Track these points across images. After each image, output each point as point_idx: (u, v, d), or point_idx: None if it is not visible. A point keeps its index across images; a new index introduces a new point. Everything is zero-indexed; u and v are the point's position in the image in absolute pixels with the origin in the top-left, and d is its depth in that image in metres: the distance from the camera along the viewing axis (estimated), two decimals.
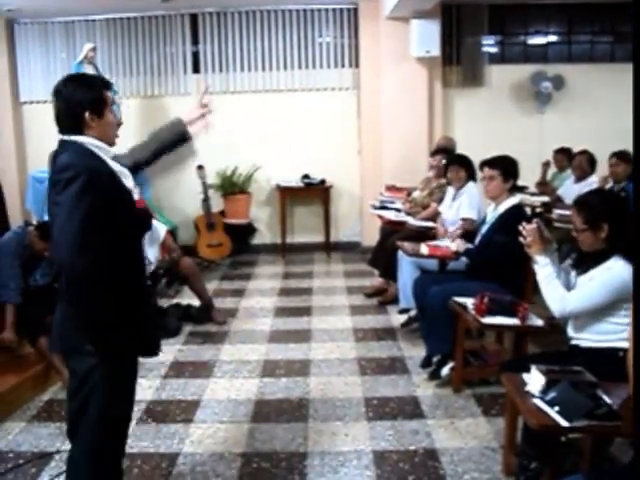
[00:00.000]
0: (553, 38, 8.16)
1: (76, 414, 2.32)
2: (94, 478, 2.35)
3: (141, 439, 3.50)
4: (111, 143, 2.35)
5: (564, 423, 2.19)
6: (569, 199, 6.14)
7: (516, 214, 4.03)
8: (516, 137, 7.50)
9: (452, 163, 5.12)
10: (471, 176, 5.05)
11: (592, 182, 5.92)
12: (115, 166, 2.29)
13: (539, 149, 7.47)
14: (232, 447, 3.37)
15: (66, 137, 2.26)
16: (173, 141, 2.64)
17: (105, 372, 2.25)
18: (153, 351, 2.46)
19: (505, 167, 4.10)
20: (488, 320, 3.15)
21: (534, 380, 2.29)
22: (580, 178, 6.17)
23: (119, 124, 2.47)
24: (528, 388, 2.31)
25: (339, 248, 8.29)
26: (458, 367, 3.94)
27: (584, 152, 6.18)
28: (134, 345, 2.35)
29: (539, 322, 3.01)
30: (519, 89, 8.06)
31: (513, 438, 3.00)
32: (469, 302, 3.26)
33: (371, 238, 7.73)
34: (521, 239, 3.07)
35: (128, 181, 2.33)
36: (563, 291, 2.89)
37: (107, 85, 2.38)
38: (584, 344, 2.91)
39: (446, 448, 3.31)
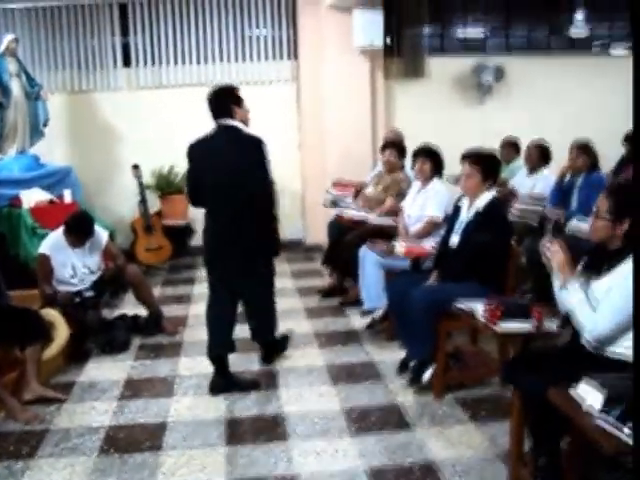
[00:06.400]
0: (492, 29, 8.09)
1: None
2: None
3: (105, 474, 3.10)
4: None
5: None
6: (523, 191, 6.07)
7: (494, 209, 3.88)
8: (458, 128, 7.36)
9: (418, 154, 4.85)
10: (438, 171, 4.82)
11: (546, 175, 5.84)
12: None
13: (481, 140, 7.30)
14: (212, 476, 3.05)
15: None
16: None
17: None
18: None
19: (486, 167, 3.88)
20: (504, 326, 2.92)
21: (591, 396, 2.06)
22: (532, 170, 6.07)
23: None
24: (588, 406, 2.07)
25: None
26: (440, 372, 3.75)
27: (536, 144, 6.07)
28: None
29: (553, 326, 2.82)
30: (460, 81, 7.96)
31: (521, 448, 2.83)
32: (479, 307, 3.05)
33: (314, 236, 7.52)
34: (544, 260, 2.76)
35: None
36: (592, 313, 2.53)
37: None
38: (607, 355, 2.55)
39: (443, 461, 3.10)
